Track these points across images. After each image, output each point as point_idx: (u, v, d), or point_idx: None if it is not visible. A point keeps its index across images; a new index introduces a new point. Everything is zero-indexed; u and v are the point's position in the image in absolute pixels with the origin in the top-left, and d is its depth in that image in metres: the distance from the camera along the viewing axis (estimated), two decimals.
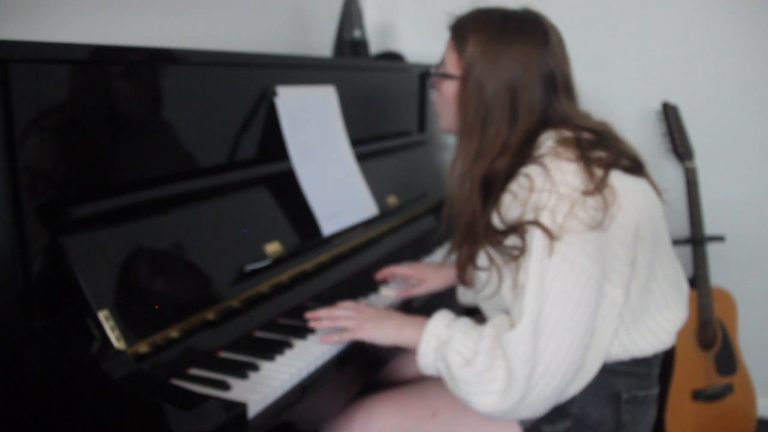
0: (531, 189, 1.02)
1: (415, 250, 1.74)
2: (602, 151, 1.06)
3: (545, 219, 0.99)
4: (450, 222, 1.19)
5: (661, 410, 1.86)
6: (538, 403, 1.01)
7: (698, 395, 1.94)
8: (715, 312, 1.98)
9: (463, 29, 1.14)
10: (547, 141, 1.07)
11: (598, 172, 1.02)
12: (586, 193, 1.00)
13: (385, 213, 1.70)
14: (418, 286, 1.44)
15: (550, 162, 1.03)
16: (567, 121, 1.11)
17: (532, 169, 1.04)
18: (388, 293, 1.42)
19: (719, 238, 2.06)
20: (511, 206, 1.06)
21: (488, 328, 1.06)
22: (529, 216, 1.01)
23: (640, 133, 2.17)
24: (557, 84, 1.11)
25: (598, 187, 1.01)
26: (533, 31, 1.11)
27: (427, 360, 1.10)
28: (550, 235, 0.98)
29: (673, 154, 2.05)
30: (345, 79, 1.72)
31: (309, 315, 1.21)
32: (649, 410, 1.18)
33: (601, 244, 1.01)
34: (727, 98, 2.12)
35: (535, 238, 1.00)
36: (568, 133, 1.07)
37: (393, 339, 1.15)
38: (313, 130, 1.53)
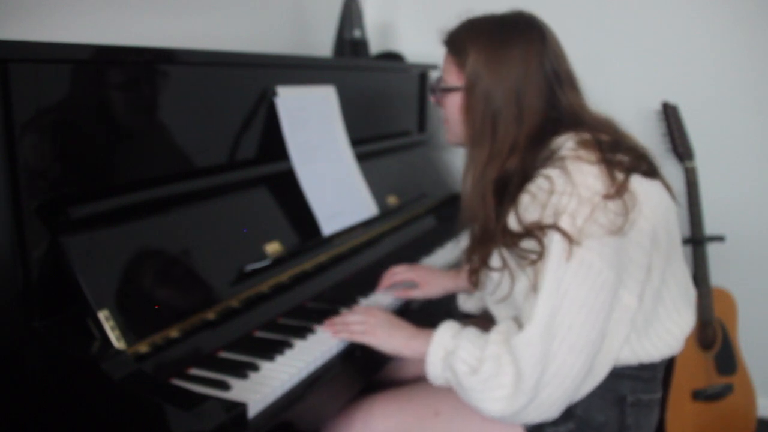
0: (551, 191, 1.01)
1: (415, 250, 1.74)
2: (623, 154, 1.06)
3: (565, 223, 0.98)
4: (465, 227, 1.18)
5: (661, 410, 1.86)
6: (548, 406, 1.01)
7: (698, 395, 1.94)
8: (715, 312, 1.98)
9: (460, 42, 1.14)
10: (567, 142, 1.06)
11: (619, 175, 1.02)
12: (607, 197, 0.99)
13: (385, 213, 1.70)
14: (417, 289, 1.43)
15: (571, 164, 1.02)
16: (576, 115, 1.11)
17: (552, 171, 1.03)
18: (387, 296, 1.42)
19: (719, 238, 2.06)
20: (529, 207, 1.04)
21: (494, 335, 1.06)
22: (549, 219, 1.00)
23: (640, 133, 2.14)
24: (561, 78, 1.11)
25: (619, 191, 1.00)
26: (530, 30, 1.11)
27: (435, 370, 1.10)
28: (570, 239, 0.97)
29: (673, 154, 2.05)
30: (345, 79, 1.72)
31: (325, 324, 1.23)
32: (652, 414, 1.18)
33: (619, 249, 1.00)
34: (727, 98, 2.12)
35: (554, 242, 0.99)
36: (587, 135, 1.06)
37: (400, 350, 1.16)
38: (313, 130, 1.53)
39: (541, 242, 1.01)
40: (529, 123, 1.09)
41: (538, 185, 1.04)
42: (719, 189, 2.13)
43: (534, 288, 1.03)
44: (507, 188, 1.09)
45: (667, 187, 1.13)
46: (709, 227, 2.08)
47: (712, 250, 2.09)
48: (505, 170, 1.09)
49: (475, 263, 1.16)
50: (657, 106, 2.11)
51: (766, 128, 2.11)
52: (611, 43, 2.21)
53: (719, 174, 2.13)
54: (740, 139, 2.13)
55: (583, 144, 1.05)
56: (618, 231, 0.99)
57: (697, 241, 1.99)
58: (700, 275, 1.98)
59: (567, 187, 1.00)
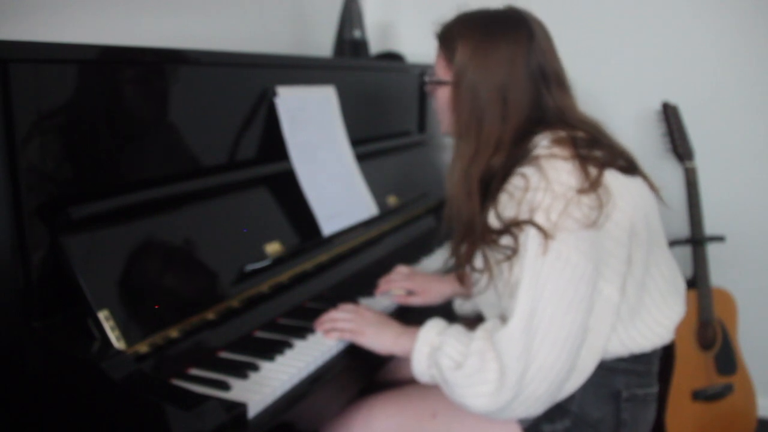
0: (526, 188, 1.03)
1: (415, 250, 1.74)
2: (598, 150, 1.07)
3: (540, 218, 1.00)
4: (451, 223, 1.19)
5: (661, 410, 1.86)
6: (533, 401, 1.01)
7: (698, 395, 1.94)
8: (715, 312, 1.99)
9: (450, 36, 1.16)
10: (543, 141, 1.08)
11: (593, 171, 1.03)
12: (581, 191, 1.01)
13: (385, 213, 1.70)
14: (415, 296, 1.43)
15: (546, 161, 1.03)
16: (561, 115, 1.12)
17: (527, 169, 1.05)
18: (384, 299, 1.42)
19: (719, 238, 2.06)
20: (507, 205, 1.06)
21: (479, 332, 1.07)
22: (524, 215, 1.02)
23: (640, 133, 2.17)
24: (548, 76, 1.12)
25: (593, 185, 1.01)
26: (517, 28, 1.12)
27: (421, 367, 1.11)
28: (545, 234, 0.99)
29: (673, 154, 2.05)
30: (345, 79, 1.72)
31: (315, 324, 1.23)
32: (648, 409, 1.18)
33: (596, 242, 1.02)
34: (727, 98, 2.12)
35: (530, 237, 1.01)
36: (563, 133, 1.08)
37: (389, 347, 1.17)
38: (313, 130, 1.54)
39: (516, 239, 1.03)
40: (514, 121, 1.10)
41: (514, 184, 1.06)
42: (719, 189, 2.13)
43: (508, 284, 1.05)
44: (490, 185, 1.10)
45: (650, 183, 1.14)
46: (709, 227, 2.08)
47: (712, 250, 2.09)
48: (490, 167, 1.10)
49: (461, 259, 1.17)
50: (657, 106, 2.10)
51: (766, 128, 2.11)
52: (611, 43, 2.21)
53: (719, 174, 2.13)
54: (740, 139, 2.13)
55: (557, 141, 1.06)
56: (593, 225, 1.00)
57: (697, 241, 1.99)
58: (700, 275, 1.98)
59: (541, 183, 1.02)
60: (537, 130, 1.10)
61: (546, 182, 1.01)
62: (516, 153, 1.09)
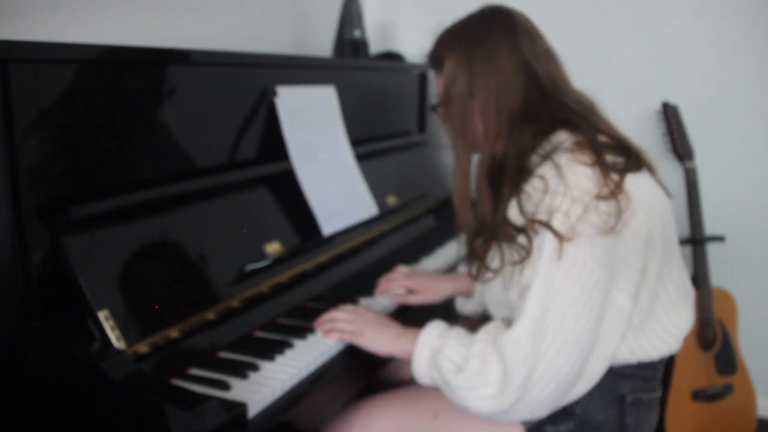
0: (545, 191, 1.02)
1: (415, 250, 1.74)
2: (617, 155, 1.06)
3: (557, 222, 0.99)
4: (462, 228, 1.18)
5: (661, 410, 1.86)
6: (537, 404, 1.01)
7: (698, 395, 1.94)
8: (715, 312, 1.99)
9: (438, 56, 1.16)
10: (564, 143, 1.07)
11: (615, 176, 1.02)
12: (600, 197, 1.00)
13: (385, 213, 1.70)
14: (415, 295, 1.43)
15: (566, 164, 1.03)
16: (556, 90, 1.11)
17: (546, 171, 1.04)
18: (383, 299, 1.42)
19: (719, 238, 2.06)
20: (525, 207, 1.06)
21: (481, 334, 1.07)
22: (542, 218, 1.01)
23: (640, 133, 2.17)
24: (539, 57, 1.12)
25: (613, 192, 1.00)
26: (498, 21, 1.12)
27: (421, 368, 1.10)
28: (561, 238, 0.98)
29: (673, 154, 2.05)
30: (345, 79, 1.72)
31: (315, 323, 1.23)
32: (652, 413, 1.18)
33: (611, 250, 1.01)
34: (727, 98, 2.12)
35: (546, 241, 1.00)
36: (583, 137, 1.07)
37: (388, 349, 1.16)
38: (313, 130, 1.54)
39: (531, 241, 1.02)
40: (508, 107, 1.09)
41: (533, 185, 1.05)
42: (719, 189, 2.13)
43: (518, 284, 1.05)
44: (501, 178, 1.09)
45: (655, 177, 1.13)
46: (709, 227, 2.08)
47: (712, 250, 2.09)
48: (494, 157, 1.09)
49: (476, 255, 1.16)
50: (657, 106, 2.11)
51: (766, 128, 2.11)
52: (611, 43, 2.21)
53: (719, 174, 2.13)
54: (740, 139, 2.13)
55: (578, 145, 1.05)
56: (610, 231, 1.00)
57: (697, 241, 1.99)
58: (700, 275, 1.98)
59: (560, 188, 1.01)
60: (551, 122, 1.10)
61: (565, 186, 1.00)
62: (523, 137, 1.08)
